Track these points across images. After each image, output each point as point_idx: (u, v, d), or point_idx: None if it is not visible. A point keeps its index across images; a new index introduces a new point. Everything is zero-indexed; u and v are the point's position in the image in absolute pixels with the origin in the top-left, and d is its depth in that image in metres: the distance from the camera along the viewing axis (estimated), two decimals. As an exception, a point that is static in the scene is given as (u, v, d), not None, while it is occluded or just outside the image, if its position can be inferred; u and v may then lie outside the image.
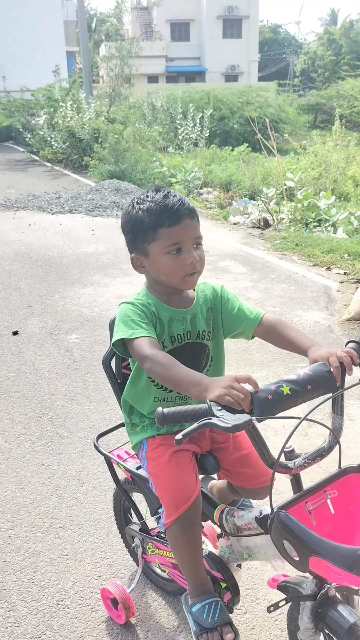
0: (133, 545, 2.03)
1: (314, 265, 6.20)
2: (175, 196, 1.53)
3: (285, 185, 8.61)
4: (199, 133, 15.18)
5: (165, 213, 1.50)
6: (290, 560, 1.28)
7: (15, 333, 4.44)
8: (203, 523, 1.74)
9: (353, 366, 1.39)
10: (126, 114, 14.41)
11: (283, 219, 8.14)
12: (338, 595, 1.39)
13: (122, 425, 1.87)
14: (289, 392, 1.24)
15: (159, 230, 1.51)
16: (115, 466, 1.93)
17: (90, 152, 13.15)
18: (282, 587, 1.46)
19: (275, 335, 1.61)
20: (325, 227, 7.76)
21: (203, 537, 1.84)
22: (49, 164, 15.55)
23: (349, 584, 1.22)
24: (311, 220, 7.88)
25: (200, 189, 11.43)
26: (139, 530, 1.97)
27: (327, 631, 1.38)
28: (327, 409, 1.41)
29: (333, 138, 11.71)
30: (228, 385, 1.22)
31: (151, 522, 1.94)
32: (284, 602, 1.44)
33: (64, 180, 12.95)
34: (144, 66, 33.88)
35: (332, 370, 1.35)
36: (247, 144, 14.60)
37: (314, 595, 1.36)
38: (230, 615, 1.63)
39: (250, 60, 41.39)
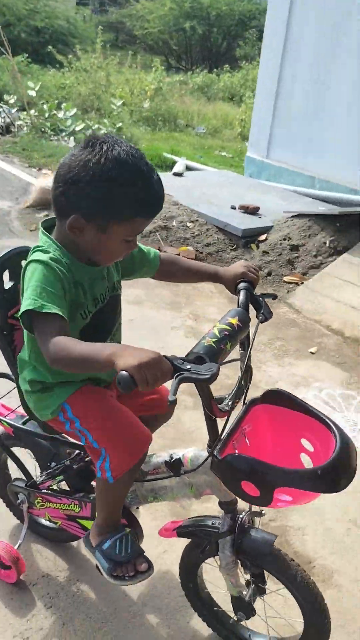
0: (18, 501, 1.91)
1: (28, 167, 6.90)
2: (158, 182, 1.32)
3: (28, 94, 9.02)
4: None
5: (152, 206, 1.33)
6: (248, 498, 1.25)
7: None
8: None
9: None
10: None
11: (23, 126, 8.63)
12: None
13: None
14: (229, 348, 1.29)
15: (137, 218, 1.32)
16: None
17: None
18: (185, 532, 1.50)
19: (177, 270, 1.61)
20: (62, 136, 8.43)
21: None
22: None
23: (298, 503, 1.28)
24: (47, 129, 8.47)
25: None
26: (26, 485, 1.87)
27: (246, 559, 1.46)
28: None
29: (97, 56, 12.18)
30: (146, 362, 1.05)
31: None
32: (207, 545, 1.48)
33: None
34: None
35: (252, 282, 1.49)
36: (27, 55, 14.37)
37: (232, 530, 1.43)
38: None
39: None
